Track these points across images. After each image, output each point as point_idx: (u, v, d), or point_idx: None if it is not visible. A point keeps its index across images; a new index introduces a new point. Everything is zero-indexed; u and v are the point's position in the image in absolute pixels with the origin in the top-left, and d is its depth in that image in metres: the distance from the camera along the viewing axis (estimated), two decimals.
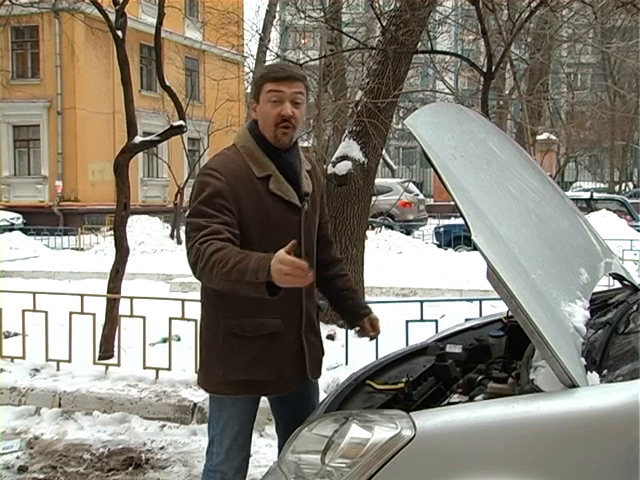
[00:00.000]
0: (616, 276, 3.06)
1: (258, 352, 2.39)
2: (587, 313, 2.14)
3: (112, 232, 6.87)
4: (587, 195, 16.21)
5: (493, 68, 5.34)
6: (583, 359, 2.04)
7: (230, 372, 2.41)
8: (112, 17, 6.11)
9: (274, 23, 16.43)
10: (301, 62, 8.27)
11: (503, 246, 2.01)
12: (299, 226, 2.43)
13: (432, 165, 2.05)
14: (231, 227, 2.26)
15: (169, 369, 4.95)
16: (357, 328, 2.68)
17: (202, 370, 2.55)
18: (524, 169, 2.75)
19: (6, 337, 5.71)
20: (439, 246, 14.90)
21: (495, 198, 2.23)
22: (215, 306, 2.46)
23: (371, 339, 2.73)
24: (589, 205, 15.21)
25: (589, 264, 2.55)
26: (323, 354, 2.65)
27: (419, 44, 6.76)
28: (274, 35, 18.52)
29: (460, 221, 18.34)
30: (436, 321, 4.75)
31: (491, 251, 1.94)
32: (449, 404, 2.19)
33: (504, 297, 1.93)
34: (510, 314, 2.54)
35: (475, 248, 1.97)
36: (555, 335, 1.92)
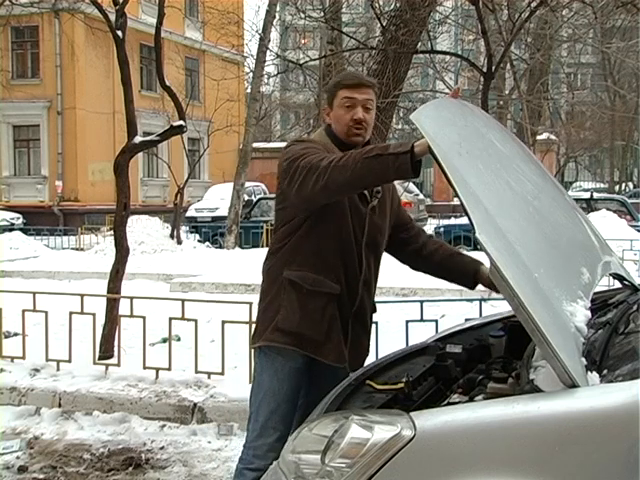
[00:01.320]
0: (616, 276, 3.06)
1: (313, 308, 2.55)
2: (588, 313, 2.14)
3: (112, 232, 6.87)
4: (587, 195, 16.19)
5: (493, 68, 5.34)
6: (583, 359, 2.04)
7: (283, 321, 2.56)
8: (112, 17, 6.11)
9: (274, 23, 16.42)
10: (301, 62, 8.28)
11: (506, 244, 2.01)
12: (365, 217, 2.62)
13: (437, 161, 2.05)
14: None
15: (169, 369, 4.95)
16: (480, 287, 2.75)
17: (256, 328, 2.69)
18: (527, 165, 2.75)
19: (6, 337, 5.70)
20: None
21: (499, 195, 2.23)
22: (280, 259, 2.63)
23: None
24: (589, 205, 15.19)
25: (590, 263, 2.55)
26: (367, 352, 2.76)
27: (419, 44, 6.76)
28: (274, 35, 18.52)
29: (460, 221, 18.33)
30: (436, 321, 4.75)
31: (494, 249, 1.94)
32: (449, 404, 2.19)
33: (506, 295, 1.93)
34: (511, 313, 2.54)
35: (476, 247, 1.97)
36: (556, 334, 1.92)
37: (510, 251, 2.00)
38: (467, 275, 2.75)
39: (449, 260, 2.80)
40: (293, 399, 2.64)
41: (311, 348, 2.56)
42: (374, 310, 2.81)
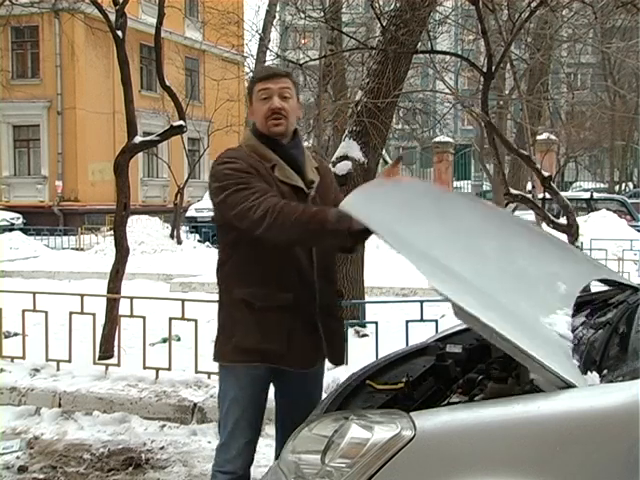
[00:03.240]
0: (607, 282, 3.02)
1: (270, 323, 2.52)
2: (569, 319, 2.13)
3: (112, 232, 6.86)
4: (587, 195, 16.21)
5: (493, 68, 5.34)
6: (577, 360, 2.07)
7: (242, 340, 2.54)
8: (112, 17, 6.11)
9: (274, 23, 16.43)
10: (301, 62, 8.27)
11: (464, 283, 2.04)
12: None
13: (378, 236, 2.13)
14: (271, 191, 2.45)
15: (169, 369, 4.96)
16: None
17: (216, 345, 2.66)
18: (483, 216, 2.80)
19: (6, 337, 5.71)
20: None
21: (449, 244, 2.27)
22: (229, 279, 2.62)
23: None
24: (589, 205, 15.21)
25: (569, 277, 2.54)
26: (344, 340, 2.76)
27: (419, 44, 6.75)
28: (274, 35, 18.52)
29: None
30: (436, 321, 4.75)
31: (451, 291, 1.97)
32: (449, 404, 2.19)
33: (479, 328, 1.94)
34: None
35: None
36: (539, 347, 1.93)
37: (469, 288, 2.02)
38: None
39: None
40: (257, 404, 2.64)
41: (275, 360, 2.54)
42: (340, 295, 2.77)
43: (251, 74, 16.78)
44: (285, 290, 2.52)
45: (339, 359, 2.71)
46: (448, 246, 2.24)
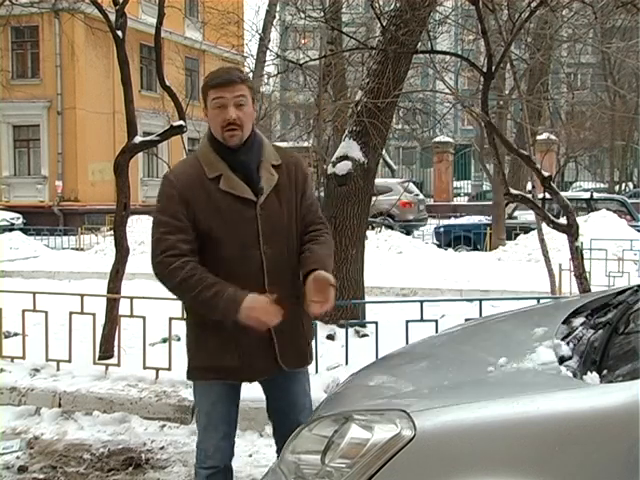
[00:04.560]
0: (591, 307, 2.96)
1: (221, 341, 2.53)
2: (549, 348, 2.22)
3: (112, 232, 6.86)
4: (587, 195, 16.20)
5: (493, 68, 5.33)
6: (577, 361, 2.10)
7: (196, 359, 2.61)
8: (112, 17, 6.11)
9: (274, 23, 16.40)
10: (301, 62, 8.27)
11: (447, 392, 2.13)
12: (255, 218, 2.54)
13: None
14: (186, 234, 2.49)
15: (169, 369, 4.95)
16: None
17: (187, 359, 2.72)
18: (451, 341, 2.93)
19: (6, 337, 5.71)
20: (439, 246, 14.90)
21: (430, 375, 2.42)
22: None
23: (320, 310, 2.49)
24: (589, 205, 15.20)
25: (544, 321, 2.61)
26: (307, 343, 2.72)
27: (419, 44, 6.75)
28: (274, 35, 18.49)
29: (460, 221, 18.33)
30: (436, 321, 4.75)
31: (439, 407, 2.00)
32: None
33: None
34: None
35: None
36: (525, 386, 2.02)
37: (455, 394, 2.10)
38: (301, 272, 2.59)
39: (306, 248, 2.63)
40: (226, 398, 2.66)
41: (227, 376, 2.58)
42: (297, 298, 2.58)
43: (251, 74, 16.78)
44: None
45: (296, 363, 2.67)
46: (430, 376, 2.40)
